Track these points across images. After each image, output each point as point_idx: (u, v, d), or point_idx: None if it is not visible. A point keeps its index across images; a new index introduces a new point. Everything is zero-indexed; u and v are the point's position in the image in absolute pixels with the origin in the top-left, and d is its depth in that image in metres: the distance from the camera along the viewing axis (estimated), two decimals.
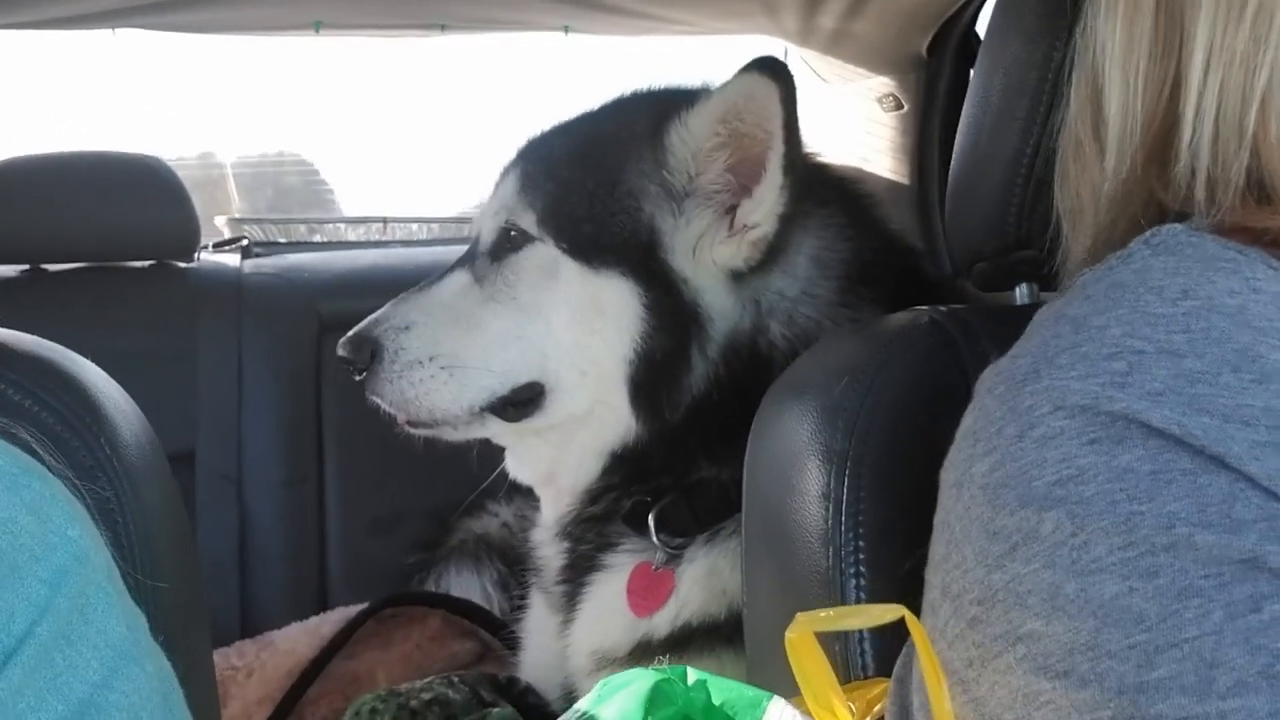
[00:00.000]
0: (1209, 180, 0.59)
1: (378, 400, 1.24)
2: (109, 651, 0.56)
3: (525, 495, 1.47)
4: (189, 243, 2.03)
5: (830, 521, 0.80)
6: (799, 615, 0.52)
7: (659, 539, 1.17)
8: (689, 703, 0.59)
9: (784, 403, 0.93)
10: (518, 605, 1.52)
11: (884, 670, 0.72)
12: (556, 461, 1.25)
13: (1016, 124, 0.87)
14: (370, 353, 1.22)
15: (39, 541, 0.55)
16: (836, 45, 1.82)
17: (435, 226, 2.88)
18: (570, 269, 1.16)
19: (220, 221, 2.66)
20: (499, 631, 1.71)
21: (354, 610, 1.75)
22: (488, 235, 1.25)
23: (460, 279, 1.25)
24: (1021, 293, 0.98)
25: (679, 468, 1.16)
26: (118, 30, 1.85)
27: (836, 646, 0.77)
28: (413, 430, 1.26)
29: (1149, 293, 0.54)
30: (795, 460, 0.86)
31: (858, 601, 0.78)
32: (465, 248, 1.31)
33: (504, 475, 1.34)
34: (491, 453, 1.35)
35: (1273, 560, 0.47)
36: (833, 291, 1.17)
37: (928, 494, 0.61)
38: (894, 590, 0.75)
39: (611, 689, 0.60)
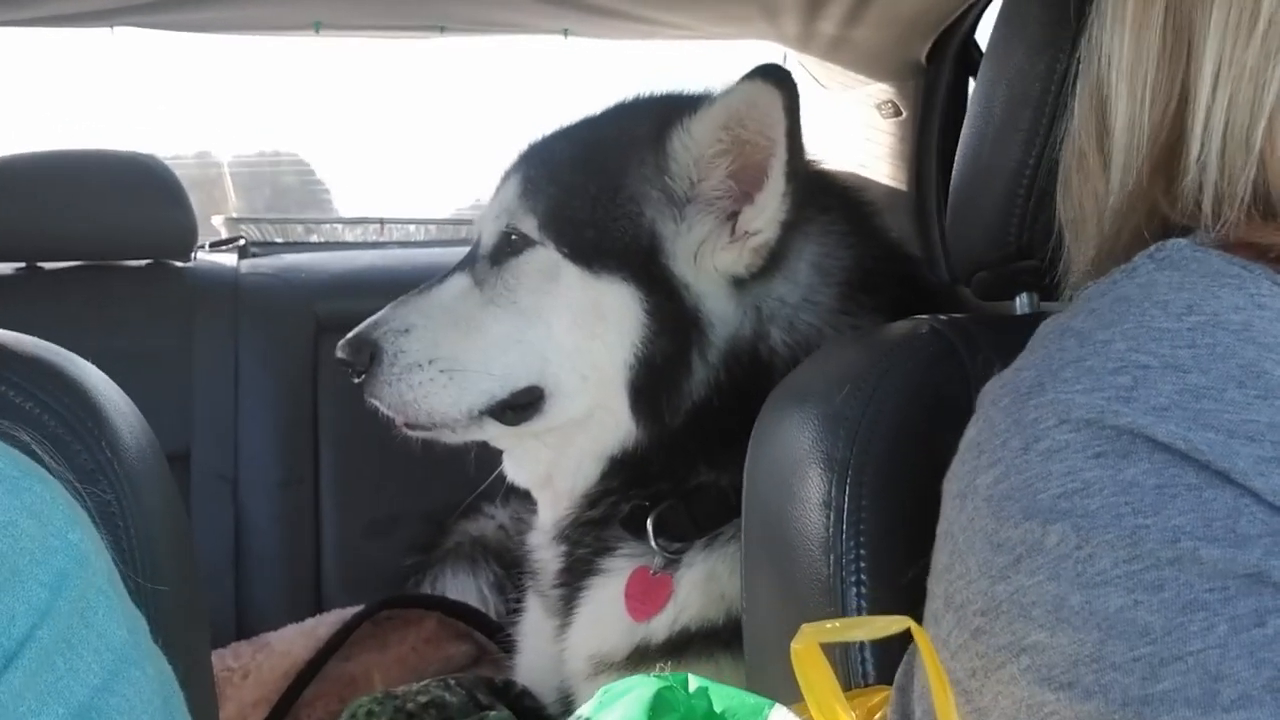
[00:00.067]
0: (1215, 195, 0.59)
1: (376, 403, 1.24)
2: (110, 655, 0.56)
3: (522, 498, 1.47)
4: (186, 242, 2.02)
5: (831, 529, 0.81)
6: (804, 626, 0.52)
7: (657, 543, 1.17)
8: (691, 710, 0.59)
9: (785, 410, 0.93)
10: (514, 608, 1.52)
11: (885, 678, 0.72)
12: (555, 465, 1.25)
13: (1019, 135, 0.87)
14: (369, 355, 1.22)
15: (39, 545, 0.55)
16: (836, 51, 1.82)
17: (432, 228, 2.89)
18: (571, 273, 1.16)
19: (217, 221, 2.65)
20: (495, 634, 1.71)
21: (350, 612, 1.74)
22: (488, 239, 1.25)
23: (460, 282, 1.25)
24: (1022, 302, 0.98)
25: (678, 473, 1.16)
26: (116, 28, 1.84)
27: (837, 654, 0.77)
28: (411, 433, 1.26)
29: (1154, 307, 0.55)
30: (796, 467, 0.86)
31: (858, 610, 0.78)
32: (463, 249, 1.31)
33: (501, 478, 1.34)
34: (489, 455, 1.34)
35: (1277, 575, 0.47)
36: (834, 298, 1.17)
37: (929, 503, 0.61)
38: (895, 599, 0.75)
39: (613, 696, 0.60)
